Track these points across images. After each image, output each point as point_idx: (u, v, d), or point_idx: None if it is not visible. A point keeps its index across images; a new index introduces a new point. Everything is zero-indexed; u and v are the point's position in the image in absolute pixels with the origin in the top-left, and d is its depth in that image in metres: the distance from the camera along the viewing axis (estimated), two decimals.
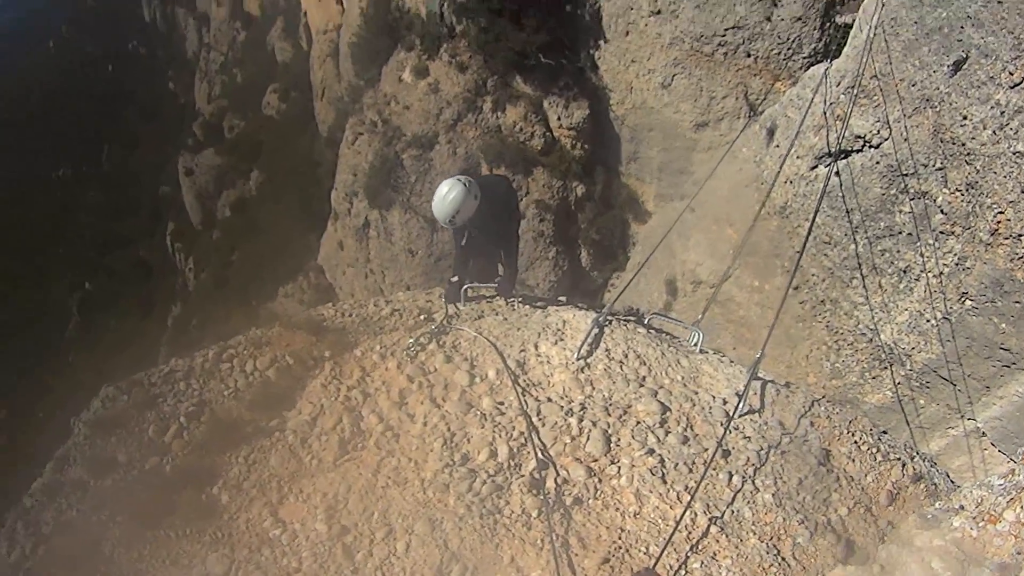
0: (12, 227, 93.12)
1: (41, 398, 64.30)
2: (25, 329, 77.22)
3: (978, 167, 6.85)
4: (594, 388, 5.68)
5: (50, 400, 61.14)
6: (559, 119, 16.82)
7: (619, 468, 4.91)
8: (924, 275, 7.58)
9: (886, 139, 8.13)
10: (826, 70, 9.85)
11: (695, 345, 6.40)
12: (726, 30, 12.77)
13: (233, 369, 6.40)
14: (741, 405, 5.28)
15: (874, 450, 5.14)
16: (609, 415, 5.35)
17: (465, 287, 7.49)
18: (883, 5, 8.29)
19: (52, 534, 4.92)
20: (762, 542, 4.36)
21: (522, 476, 4.90)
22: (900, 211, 7.95)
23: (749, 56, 12.80)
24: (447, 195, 6.86)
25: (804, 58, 12.39)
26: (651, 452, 4.95)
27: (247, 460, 5.36)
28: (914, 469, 5.05)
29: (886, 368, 8.30)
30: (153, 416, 5.86)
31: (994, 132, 6.72)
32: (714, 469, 4.78)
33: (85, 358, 60.57)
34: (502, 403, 5.63)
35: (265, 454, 5.40)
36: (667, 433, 5.15)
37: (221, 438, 5.61)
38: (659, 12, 13.06)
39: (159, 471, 5.35)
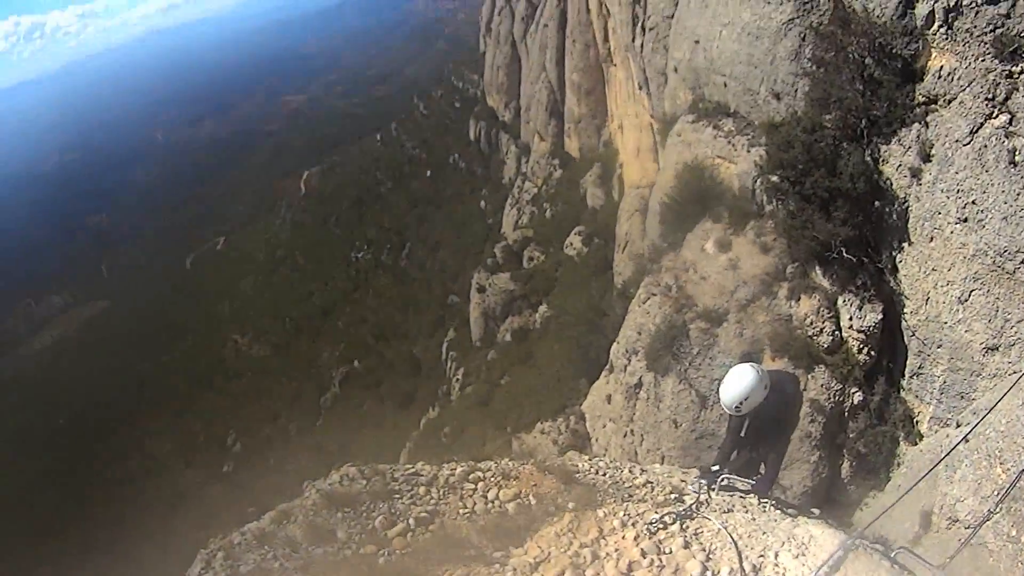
0: (307, 292, 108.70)
1: (271, 446, 73.26)
2: (288, 379, 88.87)
3: None
4: None
5: (283, 449, 69.37)
6: (851, 319, 16.67)
7: None
8: None
9: None
10: None
11: None
12: None
13: (476, 491, 6.74)
14: None
15: None
16: None
17: (723, 477, 7.52)
18: None
19: (247, 575, 5.35)
20: None
21: None
22: None
23: None
24: (740, 380, 6.99)
25: None
26: None
27: None
28: None
29: None
30: (385, 508, 6.23)
31: None
32: None
33: (332, 427, 68.12)
34: None
35: None
36: None
37: (443, 551, 5.78)
38: (965, 220, 12.79)
39: (372, 560, 5.58)
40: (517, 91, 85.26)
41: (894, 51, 13.29)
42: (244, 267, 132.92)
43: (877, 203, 15.15)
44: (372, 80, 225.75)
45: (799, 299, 17.16)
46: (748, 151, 18.89)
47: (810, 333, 16.99)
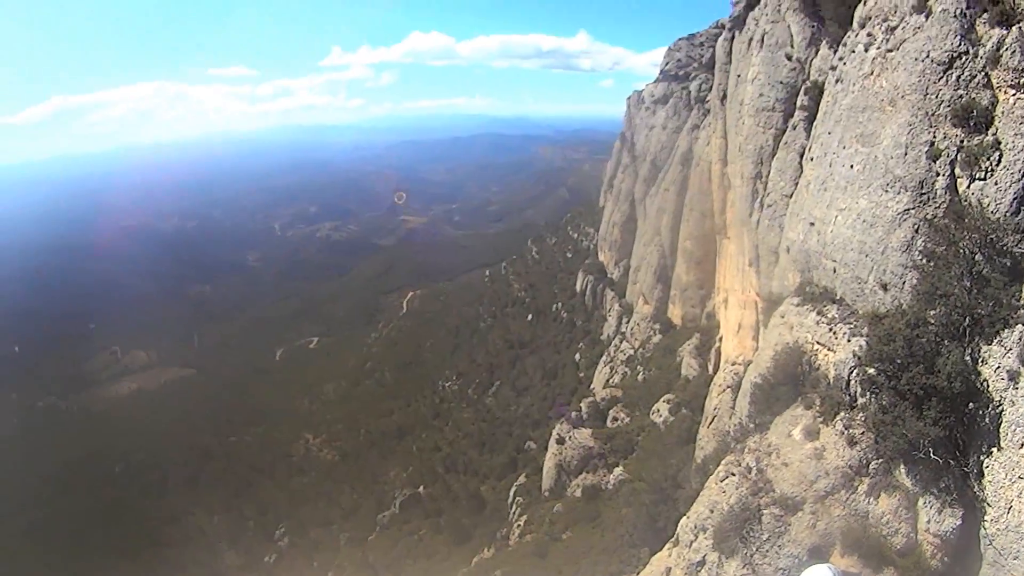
0: (387, 408, 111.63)
1: (318, 549, 74.54)
2: (351, 489, 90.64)
3: None
4: None
5: (329, 556, 69.96)
6: (928, 522, 16.29)
7: None
8: None
9: None
10: None
11: None
12: None
13: None
14: None
15: None
16: None
17: None
18: None
19: None
20: None
21: None
22: None
23: None
24: None
25: None
26: None
27: None
28: None
29: None
30: None
31: None
32: None
33: (383, 546, 68.87)
34: None
35: None
36: None
37: None
38: None
39: None
40: (629, 250, 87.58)
41: (1005, 248, 13.58)
42: (331, 370, 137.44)
43: (971, 404, 14.93)
44: (491, 216, 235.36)
45: (879, 497, 17.03)
46: (848, 340, 19.32)
47: (885, 532, 16.90)
